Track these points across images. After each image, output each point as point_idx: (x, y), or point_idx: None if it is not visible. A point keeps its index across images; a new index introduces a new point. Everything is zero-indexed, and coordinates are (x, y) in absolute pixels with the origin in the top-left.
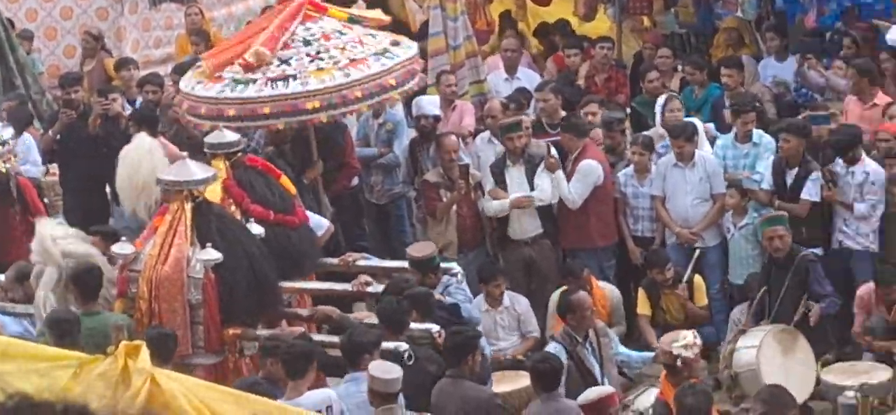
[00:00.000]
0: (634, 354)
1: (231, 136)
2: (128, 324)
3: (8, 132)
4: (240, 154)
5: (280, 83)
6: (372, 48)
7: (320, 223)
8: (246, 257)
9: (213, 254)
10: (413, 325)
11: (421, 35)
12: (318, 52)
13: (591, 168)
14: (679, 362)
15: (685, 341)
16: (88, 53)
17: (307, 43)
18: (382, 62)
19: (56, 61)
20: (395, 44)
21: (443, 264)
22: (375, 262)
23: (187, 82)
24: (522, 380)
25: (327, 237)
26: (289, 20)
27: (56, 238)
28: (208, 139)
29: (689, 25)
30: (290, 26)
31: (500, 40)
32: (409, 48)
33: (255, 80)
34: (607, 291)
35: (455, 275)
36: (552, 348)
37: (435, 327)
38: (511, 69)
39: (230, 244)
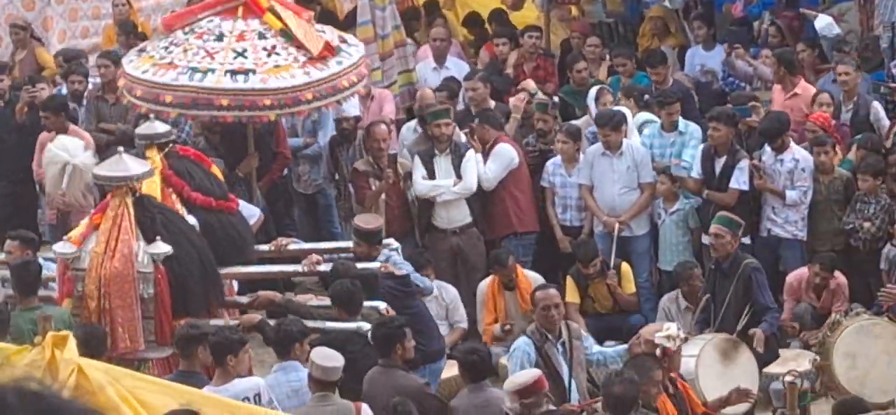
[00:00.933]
0: (609, 350)
1: (161, 126)
2: (59, 315)
3: None
4: (172, 144)
5: (240, 76)
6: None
7: (252, 212)
8: (193, 248)
9: (163, 247)
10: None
11: (348, 23)
12: (275, 47)
13: (506, 150)
14: (659, 352)
15: (668, 332)
16: (19, 44)
17: (262, 36)
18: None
19: None
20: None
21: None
22: (306, 244)
23: (135, 66)
24: (452, 370)
25: (259, 226)
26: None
27: None
28: (139, 130)
29: (617, 14)
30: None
31: (428, 30)
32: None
33: (213, 71)
34: (532, 279)
35: (394, 249)
36: (521, 342)
37: (382, 305)
38: (440, 59)
39: (176, 236)
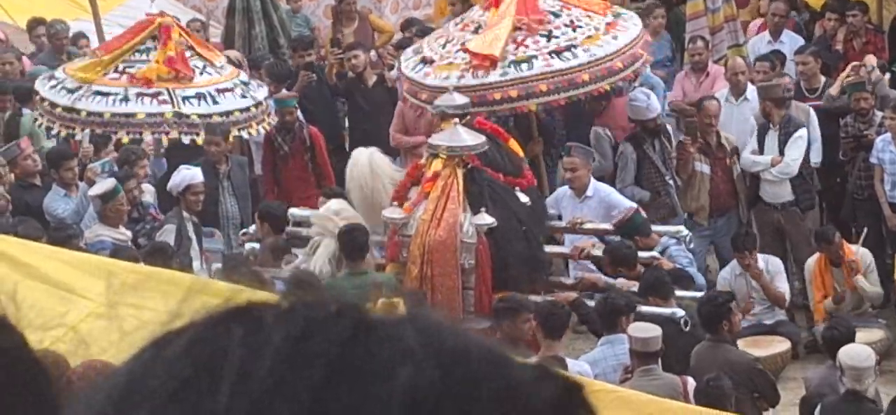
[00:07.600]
0: None
1: (460, 99)
2: (388, 281)
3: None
4: (469, 117)
5: (560, 56)
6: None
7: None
8: (520, 225)
9: (487, 218)
10: (681, 292)
11: None
12: (573, 21)
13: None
14: None
15: None
16: (344, 14)
17: (556, 15)
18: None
19: (317, 22)
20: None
21: (667, 227)
22: (603, 224)
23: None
24: (776, 346)
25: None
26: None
27: (339, 212)
28: (438, 102)
29: None
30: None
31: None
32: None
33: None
34: (859, 254)
35: (683, 237)
36: None
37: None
38: (776, 32)
39: (503, 211)
